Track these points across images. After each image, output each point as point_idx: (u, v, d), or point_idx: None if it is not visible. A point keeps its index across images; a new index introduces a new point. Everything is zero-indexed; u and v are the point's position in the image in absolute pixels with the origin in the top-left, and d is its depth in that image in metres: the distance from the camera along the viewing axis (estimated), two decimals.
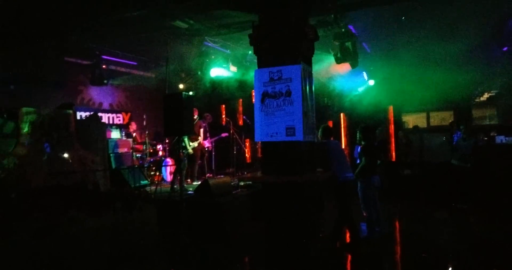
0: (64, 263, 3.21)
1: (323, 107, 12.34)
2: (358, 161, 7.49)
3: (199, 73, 11.77)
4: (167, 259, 5.88)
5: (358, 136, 6.85)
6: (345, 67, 9.91)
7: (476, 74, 10.79)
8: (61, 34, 8.33)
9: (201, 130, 9.95)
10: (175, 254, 6.06)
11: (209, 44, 10.50)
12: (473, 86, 11.67)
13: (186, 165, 9.20)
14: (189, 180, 9.78)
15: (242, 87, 11.74)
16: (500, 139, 9.82)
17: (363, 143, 6.67)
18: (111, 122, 12.19)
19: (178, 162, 8.97)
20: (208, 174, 10.46)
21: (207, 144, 10.28)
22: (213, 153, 10.57)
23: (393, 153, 11.82)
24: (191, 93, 11.52)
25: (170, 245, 6.27)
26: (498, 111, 12.20)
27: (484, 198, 9.03)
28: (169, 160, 10.70)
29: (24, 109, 6.95)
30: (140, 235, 4.22)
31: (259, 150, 11.08)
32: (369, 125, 7.18)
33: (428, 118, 12.62)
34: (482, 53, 10.19)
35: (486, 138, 10.39)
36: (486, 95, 11.98)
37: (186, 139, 8.99)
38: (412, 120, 13.05)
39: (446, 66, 10.35)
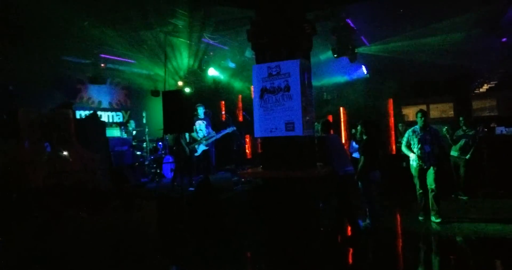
0: (64, 262, 3.23)
1: (322, 102, 12.32)
2: (353, 155, 7.45)
3: (197, 69, 11.77)
4: (167, 257, 5.90)
5: (358, 131, 6.79)
6: (344, 61, 9.89)
7: (476, 66, 10.77)
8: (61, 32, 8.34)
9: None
10: (176, 251, 6.07)
11: (208, 41, 10.48)
12: (472, 78, 11.65)
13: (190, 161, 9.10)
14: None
15: (241, 83, 11.72)
16: (500, 130, 9.81)
17: (364, 138, 6.61)
18: (110, 120, 12.19)
19: (178, 159, 8.96)
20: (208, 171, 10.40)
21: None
22: (213, 150, 10.54)
23: (393, 146, 11.79)
24: (187, 89, 11.50)
25: (171, 242, 6.28)
26: (498, 102, 12.19)
27: (483, 189, 9.05)
28: (170, 157, 10.69)
29: (23, 109, 6.94)
30: (140, 233, 4.24)
31: (259, 145, 11.06)
32: (370, 119, 7.13)
33: (428, 110, 12.59)
34: (481, 44, 10.16)
35: (486, 129, 10.37)
36: (485, 87, 11.95)
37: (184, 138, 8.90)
38: (412, 112, 13.02)
39: (445, 58, 10.32)
